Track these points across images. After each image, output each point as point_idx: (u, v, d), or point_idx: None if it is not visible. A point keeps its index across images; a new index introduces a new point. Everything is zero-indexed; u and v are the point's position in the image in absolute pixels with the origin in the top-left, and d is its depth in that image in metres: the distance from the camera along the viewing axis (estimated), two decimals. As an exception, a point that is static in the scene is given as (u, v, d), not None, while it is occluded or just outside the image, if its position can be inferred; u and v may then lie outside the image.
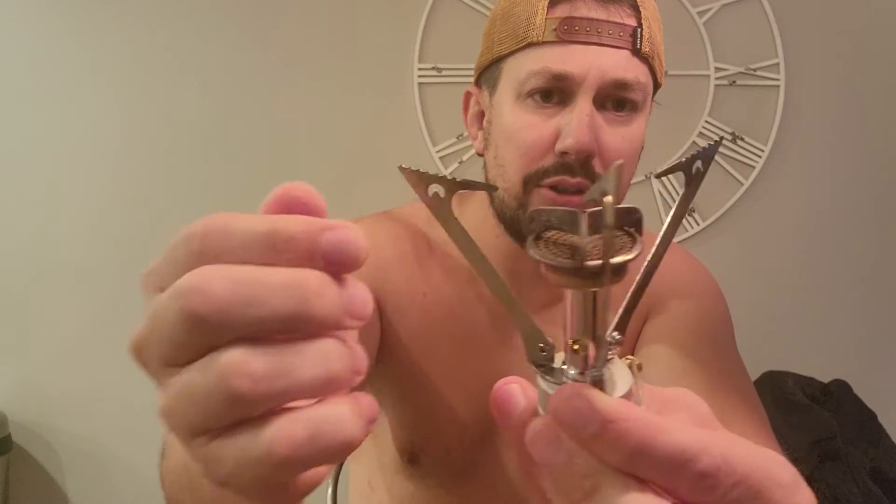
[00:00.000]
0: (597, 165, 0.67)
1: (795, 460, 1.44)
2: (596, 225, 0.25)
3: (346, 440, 0.25)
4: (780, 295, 1.91)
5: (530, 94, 0.68)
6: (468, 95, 0.79)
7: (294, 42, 1.86)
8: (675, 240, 1.93)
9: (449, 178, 0.29)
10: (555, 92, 0.67)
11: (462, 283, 0.78)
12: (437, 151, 1.82)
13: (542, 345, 0.30)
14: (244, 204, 1.98)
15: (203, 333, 0.23)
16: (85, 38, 1.84)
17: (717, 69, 1.86)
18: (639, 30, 0.67)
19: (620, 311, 0.31)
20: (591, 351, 0.28)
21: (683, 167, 0.31)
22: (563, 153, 0.66)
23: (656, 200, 1.86)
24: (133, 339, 0.25)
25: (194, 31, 1.85)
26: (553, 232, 0.28)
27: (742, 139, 1.86)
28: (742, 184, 1.87)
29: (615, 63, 0.66)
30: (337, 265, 0.25)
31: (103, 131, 1.86)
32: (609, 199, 0.24)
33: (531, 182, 0.68)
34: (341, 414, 0.25)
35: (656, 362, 0.72)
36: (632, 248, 0.26)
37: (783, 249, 1.91)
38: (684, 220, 1.85)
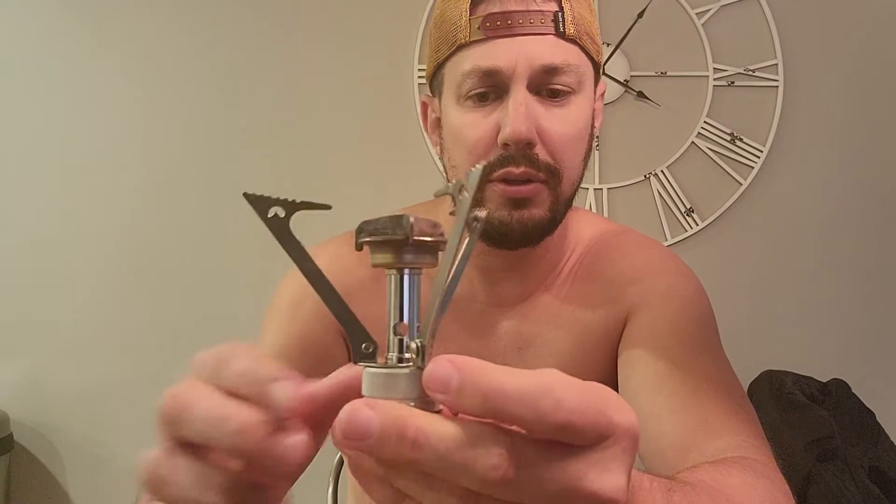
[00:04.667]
0: (541, 153, 0.69)
1: (794, 459, 1.44)
2: (409, 225, 0.30)
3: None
4: (779, 294, 1.91)
5: (468, 94, 0.70)
6: (424, 105, 0.81)
7: (294, 42, 1.87)
8: (674, 239, 1.90)
9: (288, 199, 0.33)
10: (490, 88, 0.69)
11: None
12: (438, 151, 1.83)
13: (364, 344, 0.33)
14: (242, 202, 1.97)
15: None
16: (92, 35, 1.84)
17: (716, 70, 1.86)
18: (560, 13, 0.69)
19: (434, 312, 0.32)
20: (408, 334, 0.31)
21: (465, 219, 0.32)
22: (505, 145, 0.68)
23: (655, 200, 1.86)
24: None
25: (195, 31, 1.86)
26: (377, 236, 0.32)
27: (741, 140, 1.87)
28: (741, 184, 1.87)
29: (541, 50, 0.68)
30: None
31: (105, 131, 1.86)
32: (466, 195, 0.31)
33: (482, 178, 0.70)
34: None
35: (638, 367, 0.72)
36: (442, 234, 0.31)
37: (782, 249, 1.91)
38: (683, 221, 1.85)
